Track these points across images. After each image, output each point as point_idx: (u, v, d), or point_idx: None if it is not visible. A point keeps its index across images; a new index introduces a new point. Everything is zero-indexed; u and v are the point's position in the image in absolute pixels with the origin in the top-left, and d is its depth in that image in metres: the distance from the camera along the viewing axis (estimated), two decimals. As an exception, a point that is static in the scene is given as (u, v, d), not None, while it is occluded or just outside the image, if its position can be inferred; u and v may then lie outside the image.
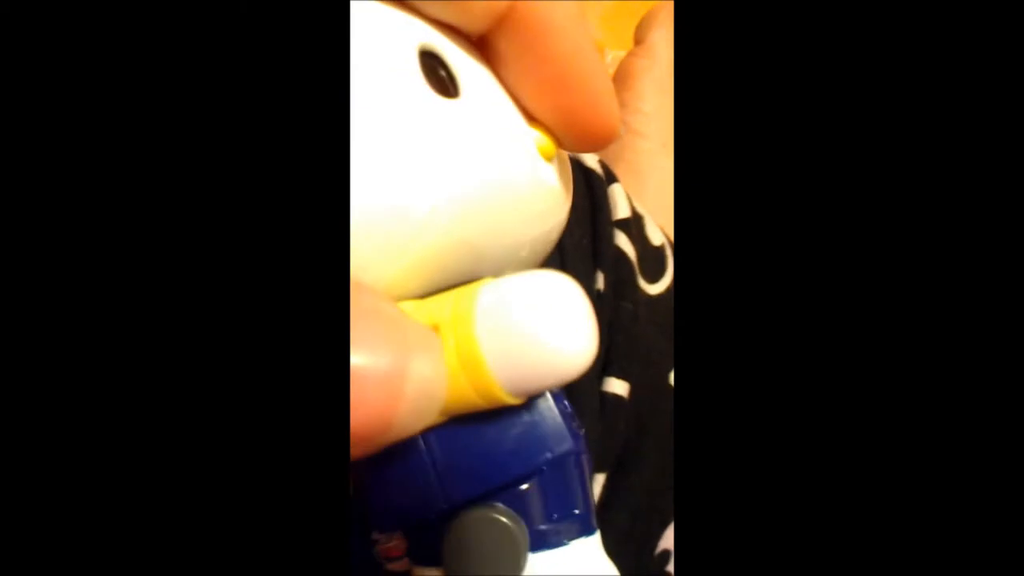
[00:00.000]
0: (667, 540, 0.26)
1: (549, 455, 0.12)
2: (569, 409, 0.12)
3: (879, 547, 0.16)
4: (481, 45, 0.13)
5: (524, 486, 0.12)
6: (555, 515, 0.12)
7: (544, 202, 0.13)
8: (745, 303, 0.17)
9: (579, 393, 0.24)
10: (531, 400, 0.12)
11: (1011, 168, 0.16)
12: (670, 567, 0.27)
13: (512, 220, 0.13)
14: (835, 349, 0.16)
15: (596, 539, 0.13)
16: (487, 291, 0.11)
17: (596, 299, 0.26)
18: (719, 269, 0.17)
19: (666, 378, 0.27)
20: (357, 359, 0.10)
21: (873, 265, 0.16)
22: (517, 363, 0.11)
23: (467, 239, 0.12)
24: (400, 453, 0.12)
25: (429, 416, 0.11)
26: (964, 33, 0.16)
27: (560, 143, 0.14)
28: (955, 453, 0.16)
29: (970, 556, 0.16)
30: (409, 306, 0.12)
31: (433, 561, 0.12)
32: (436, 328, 0.11)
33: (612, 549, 0.13)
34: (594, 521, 0.13)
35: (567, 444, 0.12)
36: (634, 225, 0.29)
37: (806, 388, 0.16)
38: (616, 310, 0.27)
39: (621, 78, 0.45)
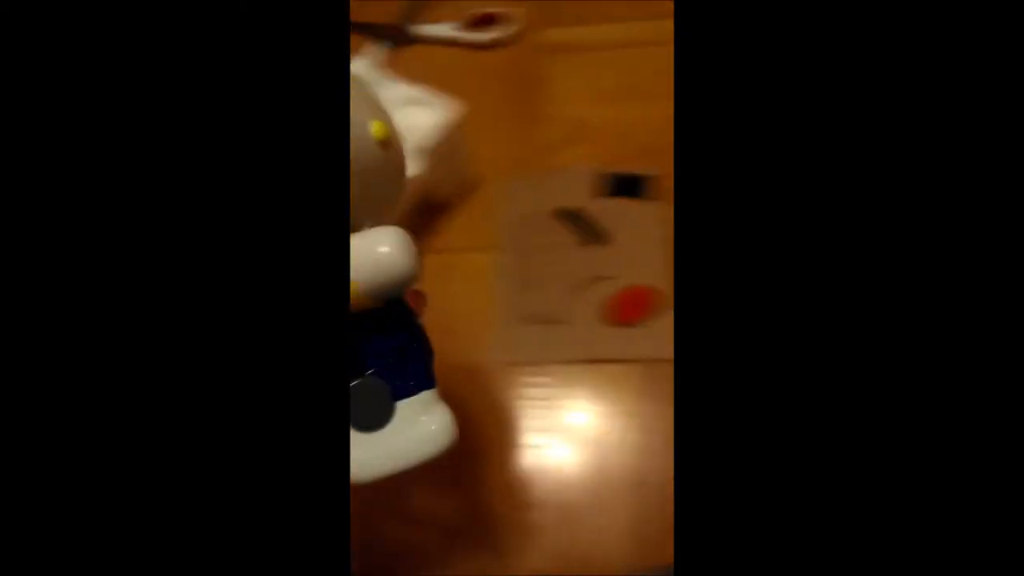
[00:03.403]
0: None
1: (395, 351, 0.20)
2: (412, 322, 0.21)
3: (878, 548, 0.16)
4: None
5: (389, 362, 0.20)
6: (409, 380, 0.20)
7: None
8: (739, 307, 0.16)
9: None
10: (387, 314, 0.20)
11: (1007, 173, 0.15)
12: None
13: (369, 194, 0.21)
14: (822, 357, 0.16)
15: (434, 391, 0.21)
16: (355, 239, 0.19)
17: None
18: (716, 270, 0.17)
19: None
20: None
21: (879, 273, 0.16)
22: (372, 280, 0.19)
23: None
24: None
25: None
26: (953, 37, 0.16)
27: None
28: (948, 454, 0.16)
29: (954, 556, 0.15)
30: None
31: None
32: None
33: None
34: (432, 380, 0.21)
35: (406, 340, 0.20)
36: None
37: (800, 390, 0.16)
38: None
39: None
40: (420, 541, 0.35)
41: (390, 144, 0.20)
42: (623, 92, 0.50)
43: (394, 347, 0.20)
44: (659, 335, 0.38)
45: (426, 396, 0.20)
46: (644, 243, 0.42)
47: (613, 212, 0.43)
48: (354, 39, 0.52)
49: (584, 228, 0.34)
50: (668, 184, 0.44)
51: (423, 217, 0.43)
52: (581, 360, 0.39)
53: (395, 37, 0.51)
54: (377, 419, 0.20)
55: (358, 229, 0.20)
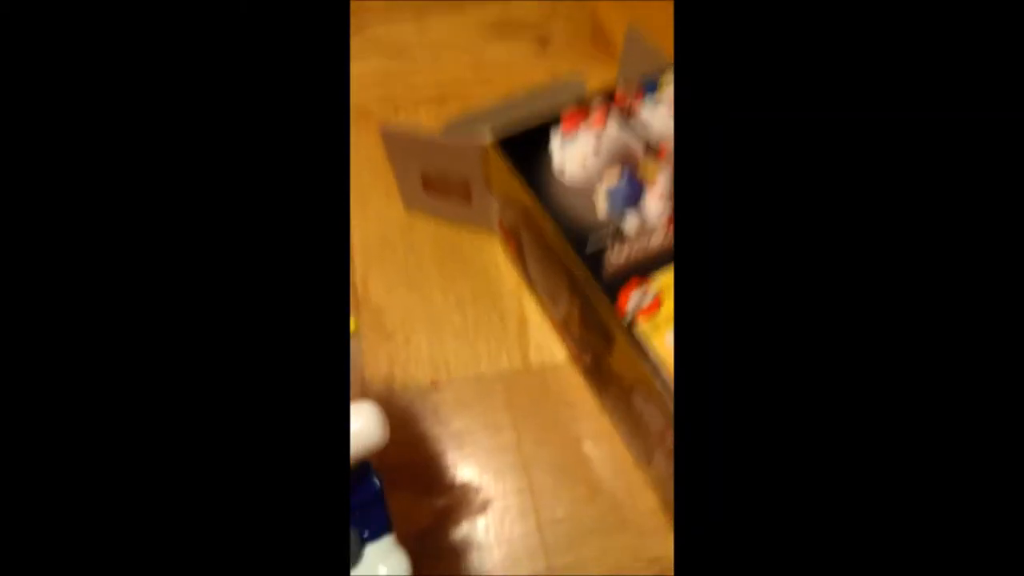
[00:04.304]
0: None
1: (364, 504, 0.25)
2: (375, 480, 0.25)
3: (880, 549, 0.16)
4: None
5: (357, 514, 0.24)
6: (373, 527, 0.25)
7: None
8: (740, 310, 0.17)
9: None
10: (358, 474, 0.25)
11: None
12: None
13: None
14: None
15: (393, 535, 0.25)
16: None
17: None
18: (718, 273, 0.17)
19: None
20: None
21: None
22: (352, 451, 0.23)
23: None
24: None
25: None
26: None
27: None
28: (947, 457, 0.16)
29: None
30: None
31: None
32: None
33: None
34: (391, 525, 0.25)
35: (371, 494, 0.25)
36: None
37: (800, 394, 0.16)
38: None
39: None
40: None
41: None
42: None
43: (363, 500, 0.24)
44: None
45: (387, 540, 0.25)
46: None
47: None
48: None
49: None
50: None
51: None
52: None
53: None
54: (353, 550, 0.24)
55: None
